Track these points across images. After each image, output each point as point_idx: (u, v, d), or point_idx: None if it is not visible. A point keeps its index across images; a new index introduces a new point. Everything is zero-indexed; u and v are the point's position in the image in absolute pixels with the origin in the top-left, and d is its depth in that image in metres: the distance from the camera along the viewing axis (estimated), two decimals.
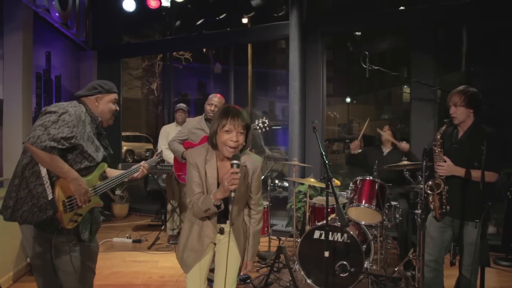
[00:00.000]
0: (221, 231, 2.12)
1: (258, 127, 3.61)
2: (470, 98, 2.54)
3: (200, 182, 2.06)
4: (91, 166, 2.24)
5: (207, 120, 3.66)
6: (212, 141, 2.02)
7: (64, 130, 2.09)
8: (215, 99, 3.67)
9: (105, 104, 2.36)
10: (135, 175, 2.50)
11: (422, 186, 2.53)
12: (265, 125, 3.60)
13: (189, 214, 2.14)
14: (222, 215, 2.08)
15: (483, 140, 2.42)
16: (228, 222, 2.08)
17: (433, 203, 2.55)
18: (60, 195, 2.14)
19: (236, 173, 1.86)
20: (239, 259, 2.17)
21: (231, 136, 1.94)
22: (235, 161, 1.90)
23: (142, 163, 2.54)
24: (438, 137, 2.57)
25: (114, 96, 2.41)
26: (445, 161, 2.54)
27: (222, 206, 1.99)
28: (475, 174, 2.49)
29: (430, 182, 2.53)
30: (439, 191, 2.51)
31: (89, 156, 2.21)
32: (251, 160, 2.09)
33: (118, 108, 2.45)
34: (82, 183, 2.16)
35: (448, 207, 2.53)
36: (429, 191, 2.53)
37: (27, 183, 2.20)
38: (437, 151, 2.57)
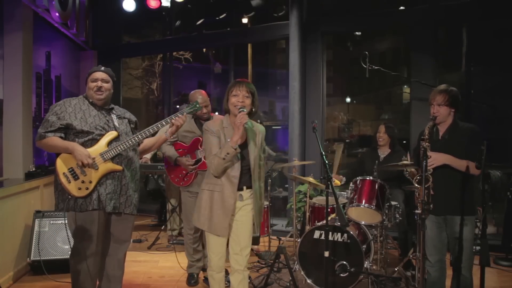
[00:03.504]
0: (240, 198, 2.43)
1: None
2: (453, 98, 2.63)
3: (219, 146, 2.40)
4: (93, 139, 2.49)
5: (197, 120, 3.49)
6: (225, 106, 2.46)
7: (51, 118, 2.47)
8: (199, 99, 3.36)
9: (88, 86, 2.62)
10: (166, 133, 2.80)
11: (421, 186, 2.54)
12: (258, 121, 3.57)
13: (207, 184, 2.46)
14: (242, 183, 2.41)
15: (468, 136, 2.55)
16: (245, 188, 2.45)
17: (419, 198, 2.57)
18: (61, 168, 2.42)
19: (243, 115, 2.29)
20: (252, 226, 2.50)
21: (237, 98, 2.37)
22: (241, 108, 2.33)
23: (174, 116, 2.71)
24: (427, 132, 2.60)
25: (91, 76, 2.61)
26: (430, 156, 2.58)
27: (238, 150, 2.33)
28: (461, 163, 2.56)
29: (418, 177, 2.55)
30: (427, 185, 2.52)
31: (82, 131, 2.48)
32: (258, 126, 2.51)
33: (99, 84, 2.60)
34: (78, 147, 2.41)
35: (431, 205, 2.55)
36: (417, 185, 2.57)
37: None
38: (425, 145, 2.59)
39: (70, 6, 5.20)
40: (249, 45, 7.67)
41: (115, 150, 2.50)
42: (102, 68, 2.65)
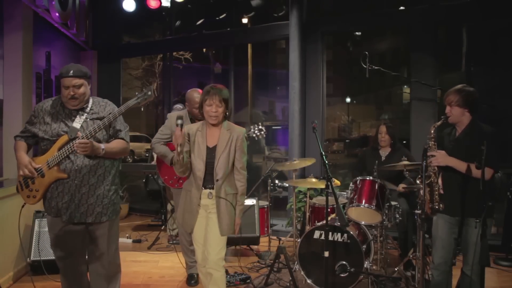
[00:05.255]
0: (210, 196, 2.54)
1: (255, 135, 3.54)
2: (464, 98, 2.55)
3: (188, 148, 2.58)
4: (51, 146, 2.47)
5: (192, 121, 3.41)
6: (200, 111, 2.60)
7: (27, 125, 2.58)
8: (197, 100, 3.25)
9: (61, 91, 2.52)
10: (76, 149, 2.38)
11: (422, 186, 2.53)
12: (262, 132, 3.56)
13: (185, 184, 2.65)
14: (209, 181, 2.55)
15: (482, 139, 2.42)
16: (215, 187, 2.55)
17: (421, 198, 2.56)
18: (19, 176, 2.51)
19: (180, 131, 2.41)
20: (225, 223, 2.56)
21: (211, 108, 2.51)
22: (178, 121, 2.42)
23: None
24: (432, 130, 2.58)
25: (62, 82, 2.50)
26: (434, 155, 2.55)
27: (183, 157, 2.49)
28: (466, 166, 2.50)
29: (420, 178, 2.54)
30: (428, 181, 2.51)
31: (43, 139, 2.49)
32: (235, 130, 2.61)
33: (71, 92, 2.46)
34: (20, 158, 2.49)
35: (441, 205, 2.54)
36: (418, 182, 2.55)
37: None
38: (430, 144, 2.57)
39: (70, 6, 5.19)
40: (249, 45, 7.69)
41: (61, 155, 2.42)
42: (71, 72, 2.48)
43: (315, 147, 5.25)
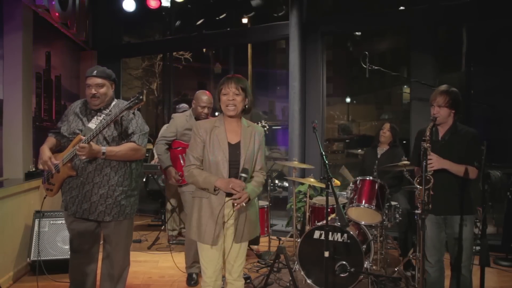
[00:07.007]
0: (233, 205, 2.19)
1: None
2: (453, 100, 2.63)
3: (200, 157, 2.28)
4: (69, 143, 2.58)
5: (197, 119, 3.49)
6: (217, 105, 2.34)
7: (60, 121, 2.71)
8: (204, 99, 3.49)
9: (86, 88, 2.61)
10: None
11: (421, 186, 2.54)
12: (265, 128, 3.62)
13: (196, 191, 2.31)
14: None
15: (468, 139, 2.59)
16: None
17: (419, 199, 2.57)
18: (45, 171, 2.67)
19: (242, 186, 2.13)
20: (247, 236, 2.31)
21: (227, 96, 2.22)
22: (243, 174, 2.17)
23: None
24: (428, 133, 2.60)
25: (86, 81, 2.58)
26: (431, 158, 2.59)
27: (217, 193, 2.21)
28: (459, 168, 2.59)
29: (419, 177, 2.56)
30: (428, 186, 2.52)
31: (64, 136, 2.62)
32: (255, 127, 2.37)
33: (93, 91, 2.54)
34: (42, 152, 2.55)
35: (430, 206, 2.56)
36: (418, 186, 2.56)
37: None
38: (426, 146, 2.59)
39: (70, 6, 5.19)
40: (249, 45, 7.68)
41: (72, 153, 2.51)
42: (95, 72, 2.55)
43: (315, 147, 5.25)
